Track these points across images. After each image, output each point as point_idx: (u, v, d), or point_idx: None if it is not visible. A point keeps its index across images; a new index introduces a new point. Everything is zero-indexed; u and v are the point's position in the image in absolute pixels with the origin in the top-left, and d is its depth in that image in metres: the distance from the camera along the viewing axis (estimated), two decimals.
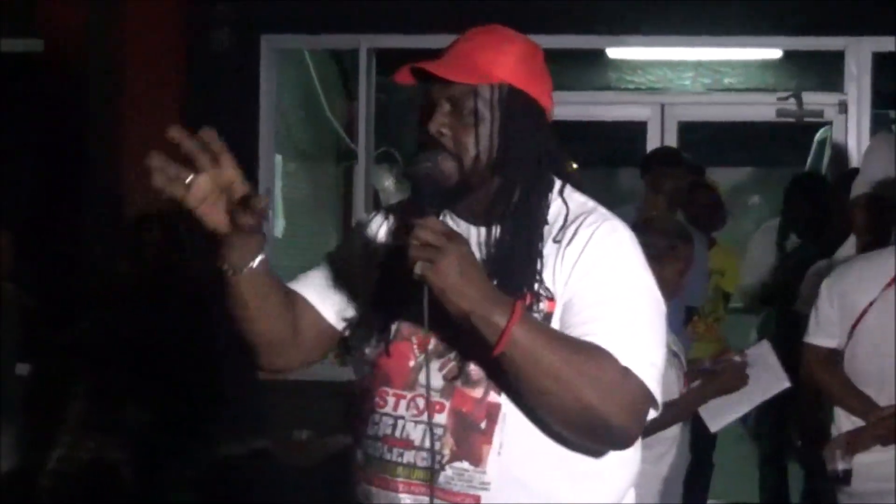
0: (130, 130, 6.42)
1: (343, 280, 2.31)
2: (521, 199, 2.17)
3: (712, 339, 5.84)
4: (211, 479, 4.52)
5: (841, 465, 4.15)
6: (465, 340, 2.05)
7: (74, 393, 4.50)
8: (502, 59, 2.17)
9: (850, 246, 5.02)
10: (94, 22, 6.37)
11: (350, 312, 2.30)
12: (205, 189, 1.99)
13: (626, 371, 2.03)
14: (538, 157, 2.19)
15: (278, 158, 7.26)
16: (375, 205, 6.73)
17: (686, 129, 7.13)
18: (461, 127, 2.14)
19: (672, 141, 6.95)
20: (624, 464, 2.16)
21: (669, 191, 5.56)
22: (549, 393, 1.99)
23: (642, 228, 3.82)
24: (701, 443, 5.05)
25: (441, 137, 2.13)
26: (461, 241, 1.98)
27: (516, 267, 2.09)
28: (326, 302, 2.30)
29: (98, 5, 6.38)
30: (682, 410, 4.10)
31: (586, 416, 2.00)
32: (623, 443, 2.09)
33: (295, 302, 2.28)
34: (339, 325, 2.31)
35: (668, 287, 3.89)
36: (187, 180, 1.98)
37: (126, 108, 6.44)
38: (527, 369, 1.98)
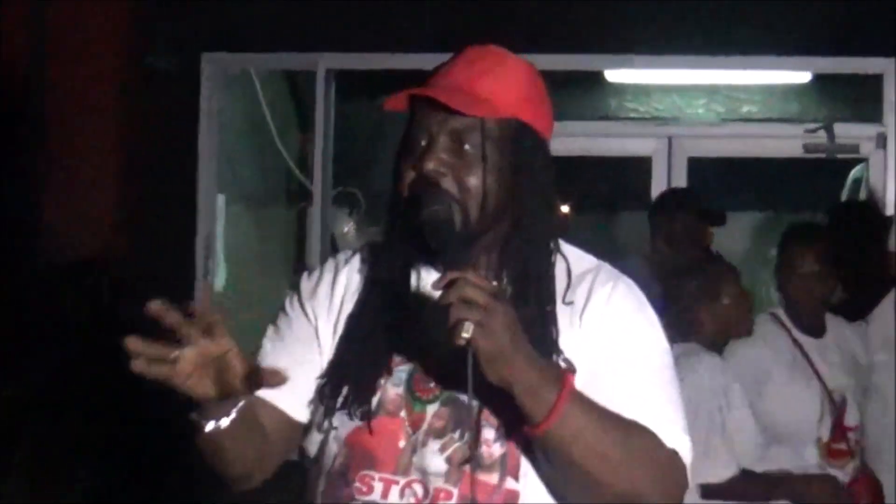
0: (59, 163, 6.42)
1: (301, 356, 2.24)
2: (529, 252, 2.17)
3: None
4: None
5: None
6: (481, 416, 2.08)
7: (20, 447, 4.54)
8: (509, 90, 2.17)
9: (889, 301, 5.03)
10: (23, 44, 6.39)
11: (312, 391, 2.23)
12: (193, 363, 1.95)
13: (675, 454, 2.11)
14: (548, 203, 2.20)
15: (220, 198, 7.26)
16: (333, 252, 6.72)
17: (697, 165, 7.16)
18: (463, 166, 2.13)
19: (681, 180, 6.99)
20: None
21: (684, 237, 5.57)
22: (595, 476, 2.02)
23: (682, 273, 3.83)
24: None
25: (440, 178, 2.12)
26: (506, 300, 1.99)
27: (531, 334, 2.03)
28: (292, 396, 2.20)
29: (27, 29, 6.39)
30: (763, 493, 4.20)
31: (633, 502, 2.06)
32: None
33: (257, 410, 2.18)
34: (306, 415, 2.25)
35: (739, 324, 3.98)
36: (172, 356, 1.94)
37: (55, 138, 6.44)
38: (574, 449, 2.00)
